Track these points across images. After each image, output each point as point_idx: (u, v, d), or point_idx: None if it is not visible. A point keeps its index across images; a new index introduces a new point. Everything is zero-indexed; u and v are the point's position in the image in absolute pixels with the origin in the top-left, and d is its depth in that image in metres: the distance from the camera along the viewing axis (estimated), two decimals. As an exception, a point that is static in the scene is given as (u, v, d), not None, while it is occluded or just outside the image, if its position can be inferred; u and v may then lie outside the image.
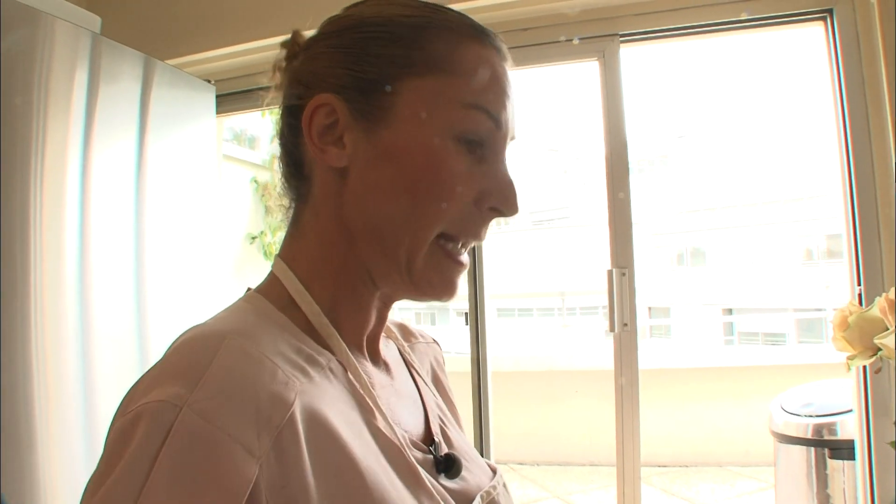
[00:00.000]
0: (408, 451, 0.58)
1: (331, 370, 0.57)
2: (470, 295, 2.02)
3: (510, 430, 4.66)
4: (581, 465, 4.58)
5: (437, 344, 0.83)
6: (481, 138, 0.58)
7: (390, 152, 0.57)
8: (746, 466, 4.43)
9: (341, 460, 0.52)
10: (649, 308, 15.10)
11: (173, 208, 1.91)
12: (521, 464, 4.84)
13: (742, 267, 15.77)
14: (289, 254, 0.63)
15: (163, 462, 0.45)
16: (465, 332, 2.05)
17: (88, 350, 1.59)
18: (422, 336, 0.80)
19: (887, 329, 0.74)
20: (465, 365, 2.04)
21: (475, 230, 0.60)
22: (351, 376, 0.59)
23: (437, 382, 0.78)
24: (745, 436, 3.97)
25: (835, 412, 2.35)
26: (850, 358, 0.79)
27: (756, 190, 16.56)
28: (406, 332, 0.78)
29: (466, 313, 2.05)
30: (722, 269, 16.23)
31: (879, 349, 0.75)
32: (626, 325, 1.78)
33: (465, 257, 0.61)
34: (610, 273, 1.80)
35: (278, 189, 0.65)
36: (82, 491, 0.47)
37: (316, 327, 0.59)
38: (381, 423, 0.58)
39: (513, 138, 0.62)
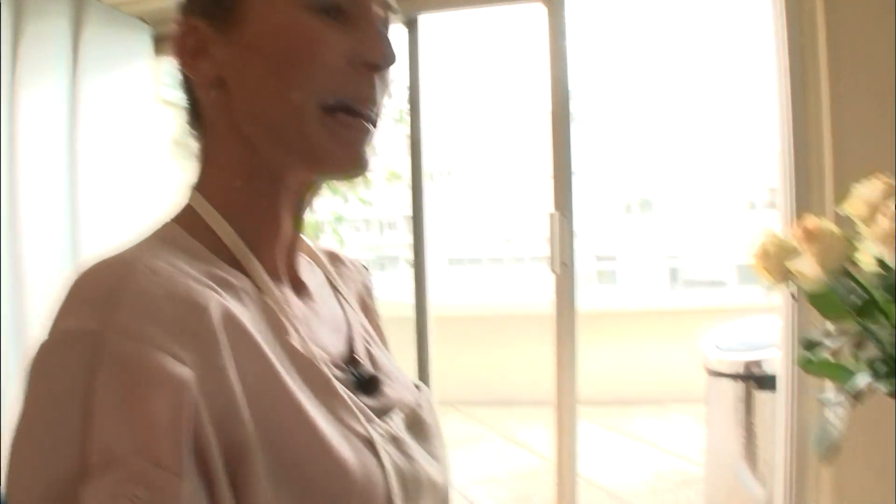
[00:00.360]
0: (322, 366, 0.59)
1: (244, 292, 0.58)
2: (413, 239, 2.04)
3: (457, 373, 4.74)
4: (524, 404, 4.69)
5: (367, 270, 0.83)
6: (337, 3, 0.59)
7: (252, 44, 0.58)
8: (684, 403, 4.60)
9: (262, 367, 0.54)
10: (597, 256, 15.35)
11: (109, 154, 1.86)
12: (466, 404, 4.94)
13: (687, 217, 16.12)
14: (200, 183, 0.64)
15: (100, 391, 0.45)
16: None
17: (21, 303, 1.56)
18: (351, 262, 0.81)
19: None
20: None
21: (361, 93, 0.59)
22: (266, 298, 0.59)
23: (366, 307, 0.79)
24: (684, 374, 4.12)
25: (763, 347, 2.46)
26: (769, 286, 0.83)
27: (702, 143, 16.83)
28: (333, 257, 0.79)
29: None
30: (668, 219, 16.57)
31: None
32: (565, 265, 1.83)
33: (367, 124, 0.60)
34: (552, 216, 1.84)
35: (186, 139, 0.66)
36: (13, 437, 0.47)
37: (231, 249, 0.60)
38: (295, 341, 0.59)
39: (388, 7, 0.62)
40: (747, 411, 2.44)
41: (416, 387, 0.73)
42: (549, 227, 1.84)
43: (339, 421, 0.57)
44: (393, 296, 2.41)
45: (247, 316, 0.55)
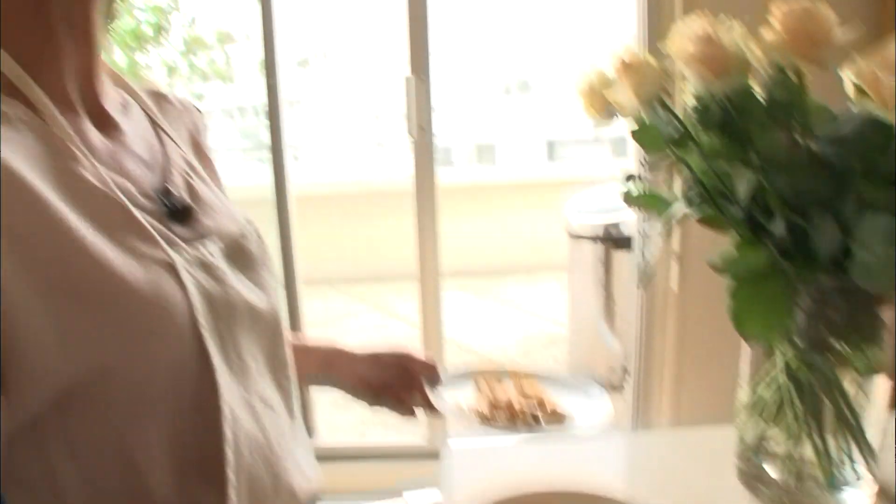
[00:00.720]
0: (117, 194, 0.56)
1: (20, 120, 0.53)
2: (270, 120, 1.97)
3: (334, 250, 4.74)
4: (402, 278, 4.76)
5: (199, 111, 0.80)
6: None
7: None
8: (554, 270, 4.79)
9: (27, 201, 0.49)
10: (477, 136, 15.46)
11: None
12: (344, 281, 4.98)
13: (564, 96, 16.36)
14: None
15: None
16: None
17: None
18: (179, 102, 0.77)
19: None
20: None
21: None
22: (52, 127, 0.55)
23: (198, 149, 0.76)
24: (555, 242, 4.29)
25: (620, 210, 2.56)
26: (596, 123, 0.83)
27: (575, 25, 16.91)
28: (158, 96, 0.75)
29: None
30: (545, 99, 16.78)
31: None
32: (422, 129, 1.80)
33: None
34: (407, 80, 1.80)
35: None
36: None
37: (7, 75, 0.55)
38: (87, 171, 0.55)
39: None
40: (606, 272, 2.56)
41: (248, 222, 0.72)
42: (405, 91, 1.80)
43: (129, 246, 0.54)
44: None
45: (20, 146, 0.51)
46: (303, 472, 0.67)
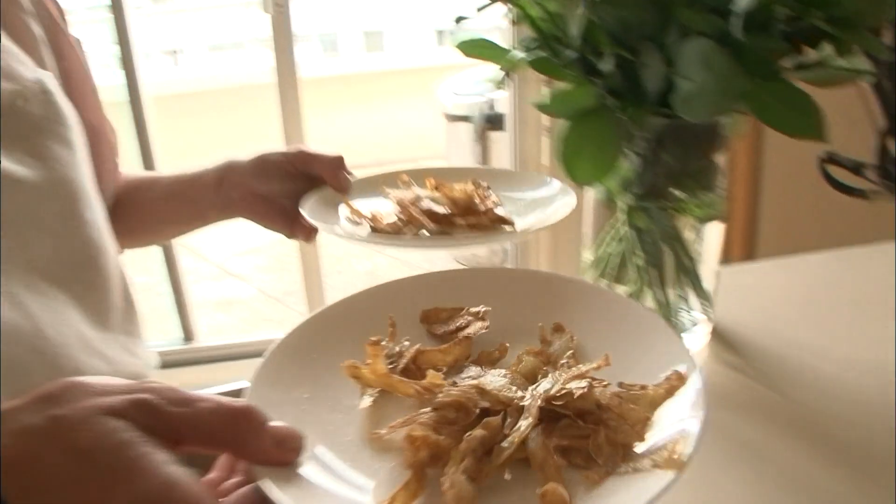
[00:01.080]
0: None
1: None
2: (115, 19, 1.79)
3: (205, 149, 4.52)
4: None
5: None
6: None
7: None
8: (434, 160, 4.77)
9: None
10: (364, 26, 15.02)
11: None
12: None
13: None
14: None
15: None
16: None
17: None
18: None
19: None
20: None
21: None
22: None
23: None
24: (436, 131, 4.24)
25: (495, 90, 2.52)
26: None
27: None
28: None
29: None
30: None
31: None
32: (279, 6, 1.68)
33: None
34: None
35: None
36: None
37: None
38: None
39: None
40: (482, 151, 2.54)
41: (37, 81, 0.61)
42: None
43: None
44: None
45: None
46: (105, 358, 0.60)
